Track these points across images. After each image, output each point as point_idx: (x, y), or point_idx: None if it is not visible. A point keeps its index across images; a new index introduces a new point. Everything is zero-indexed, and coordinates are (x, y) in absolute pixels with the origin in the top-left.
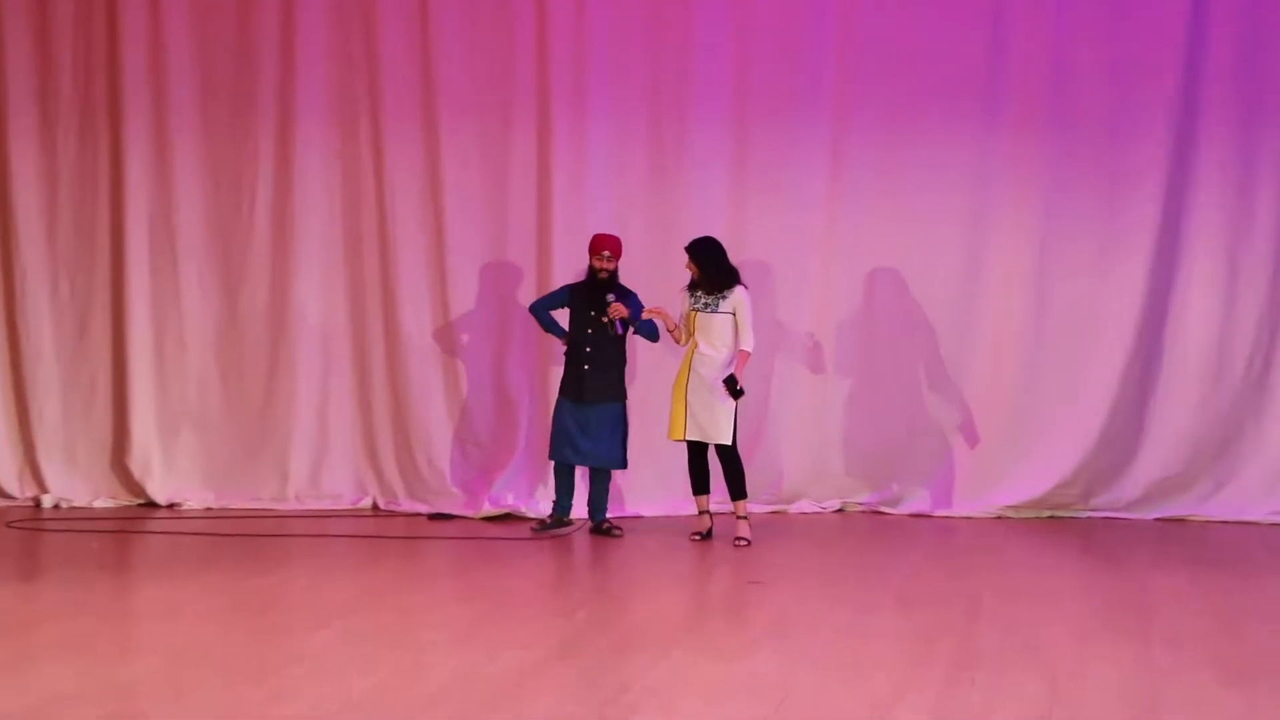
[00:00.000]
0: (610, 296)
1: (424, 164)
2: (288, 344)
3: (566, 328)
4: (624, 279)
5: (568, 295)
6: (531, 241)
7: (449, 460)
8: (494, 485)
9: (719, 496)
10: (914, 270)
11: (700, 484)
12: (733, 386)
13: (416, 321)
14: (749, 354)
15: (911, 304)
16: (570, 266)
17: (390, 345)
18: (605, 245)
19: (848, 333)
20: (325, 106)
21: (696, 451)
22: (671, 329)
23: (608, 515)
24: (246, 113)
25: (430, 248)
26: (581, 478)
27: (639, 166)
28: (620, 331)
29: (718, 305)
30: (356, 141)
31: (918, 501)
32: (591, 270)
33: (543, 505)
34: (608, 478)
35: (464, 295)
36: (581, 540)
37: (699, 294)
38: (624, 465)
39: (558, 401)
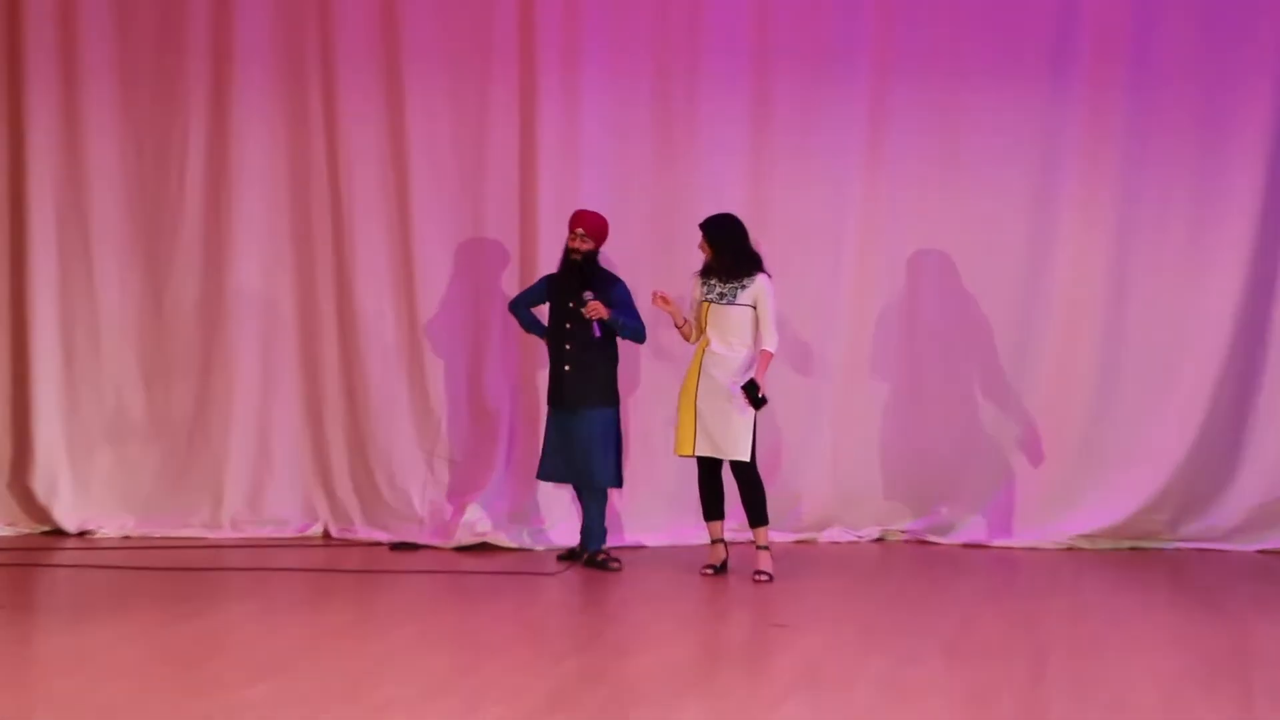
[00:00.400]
0: (587, 295)
1: (386, 129)
2: (223, 342)
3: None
4: (624, 265)
5: (545, 287)
6: (513, 222)
7: (415, 480)
8: (469, 510)
9: (735, 523)
10: (967, 256)
11: (713, 508)
12: (753, 394)
13: (377, 314)
14: (772, 355)
15: (964, 295)
16: (559, 250)
17: (346, 343)
18: (579, 222)
19: (888, 328)
20: (268, 60)
21: (708, 470)
22: (679, 323)
23: (605, 544)
24: (173, 69)
25: (393, 228)
26: (574, 500)
27: (641, 132)
28: (598, 334)
29: (735, 295)
30: (305, 101)
31: (972, 529)
32: (565, 252)
33: (525, 535)
34: (603, 499)
35: (433, 285)
36: (573, 575)
37: (713, 281)
38: (617, 483)
39: (547, 411)
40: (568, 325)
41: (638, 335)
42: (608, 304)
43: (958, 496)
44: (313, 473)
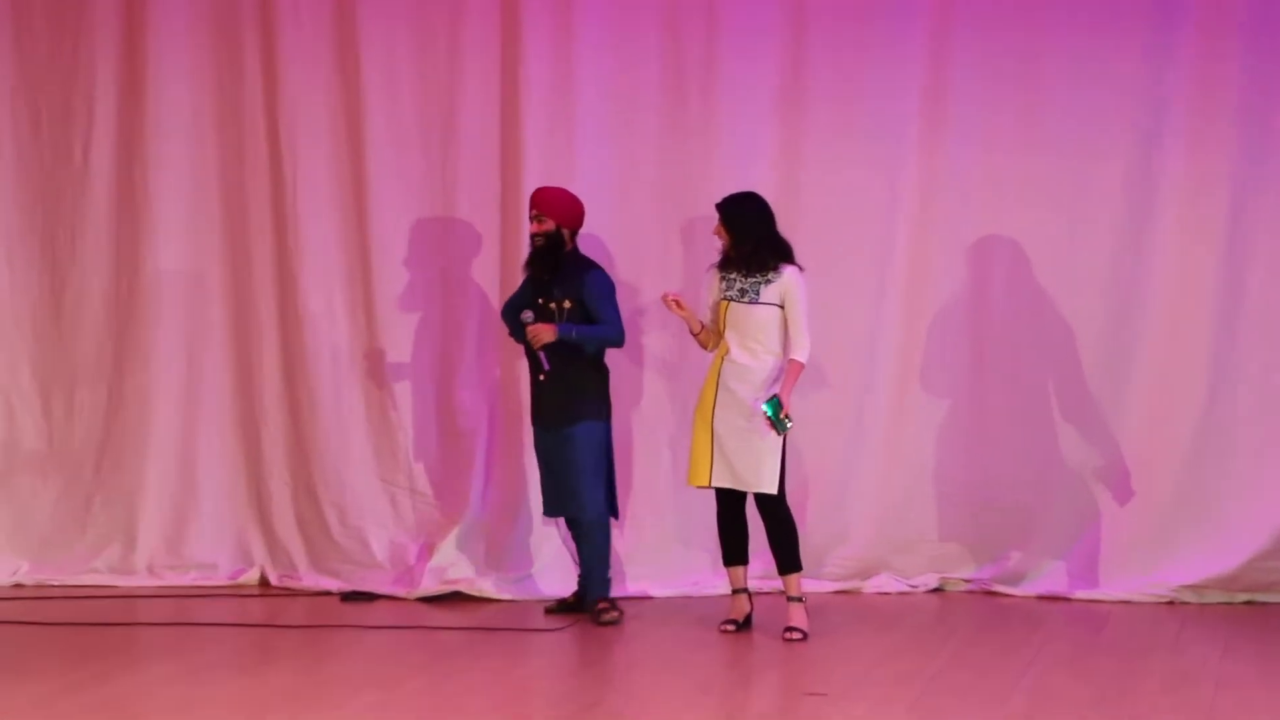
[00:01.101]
0: (527, 316)
1: (337, 91)
2: (138, 348)
3: None
4: (628, 258)
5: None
6: (492, 203)
7: (373, 515)
8: (438, 552)
9: (762, 568)
10: (1045, 245)
11: (734, 551)
12: (775, 414)
13: (326, 315)
14: (803, 365)
15: (1040, 294)
16: None
17: (288, 349)
18: (532, 200)
19: (946, 334)
20: (193, 7)
21: (729, 504)
22: (695, 330)
23: (608, 592)
24: (78, 18)
25: (347, 210)
26: (567, 539)
27: (648, 99)
28: (547, 367)
29: (759, 292)
30: (239, 58)
31: (1049, 578)
32: (530, 240)
33: (506, 582)
34: (601, 535)
35: (394, 279)
36: (566, 631)
37: (733, 275)
38: (613, 512)
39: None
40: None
41: (610, 341)
42: (575, 298)
43: (1032, 538)
44: (247, 506)
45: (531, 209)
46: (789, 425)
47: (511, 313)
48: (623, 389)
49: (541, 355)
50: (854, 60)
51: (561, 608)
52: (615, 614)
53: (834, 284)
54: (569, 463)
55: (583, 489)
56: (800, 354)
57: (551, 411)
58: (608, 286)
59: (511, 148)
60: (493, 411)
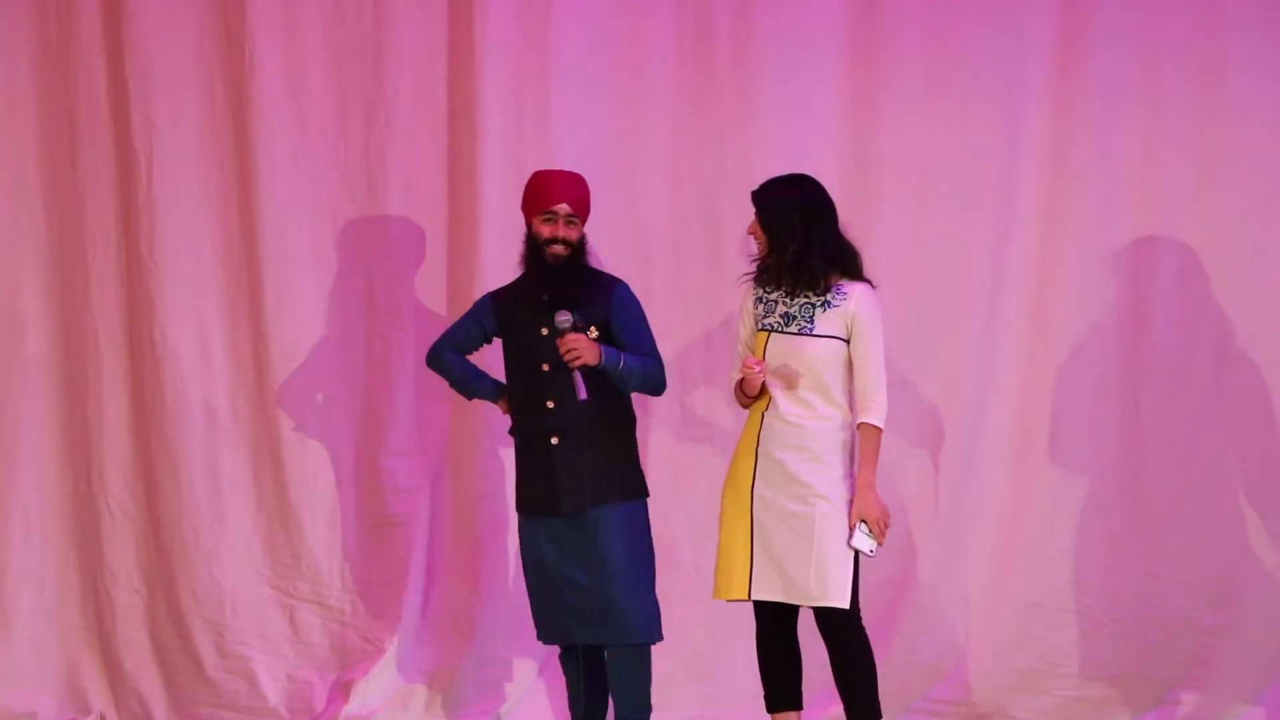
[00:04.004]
0: (563, 319)
1: (212, 38)
2: None
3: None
4: (628, 270)
5: (493, 315)
6: (436, 201)
7: (262, 639)
8: (356, 692)
9: (822, 712)
10: (1227, 255)
11: (783, 691)
12: (870, 536)
13: (196, 350)
14: (880, 432)
15: (1219, 323)
16: (512, 244)
17: (139, 399)
18: (556, 190)
19: (1087, 380)
20: None
21: (776, 623)
22: (753, 394)
23: None
24: None
25: (225, 207)
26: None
27: (656, 56)
28: (584, 396)
29: (813, 319)
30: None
31: None
32: (534, 246)
33: None
34: (643, 663)
35: (297, 305)
36: None
37: (774, 296)
38: (658, 633)
39: (520, 523)
40: (545, 367)
41: (652, 382)
42: (602, 322)
43: (1214, 672)
44: (81, 628)
45: (554, 203)
46: (878, 545)
47: (450, 356)
48: None
49: (578, 381)
50: (945, 9)
51: None
52: None
53: (922, 307)
54: (605, 562)
55: (632, 600)
56: (873, 415)
57: (575, 490)
58: (639, 306)
59: (464, 121)
60: (438, 488)
